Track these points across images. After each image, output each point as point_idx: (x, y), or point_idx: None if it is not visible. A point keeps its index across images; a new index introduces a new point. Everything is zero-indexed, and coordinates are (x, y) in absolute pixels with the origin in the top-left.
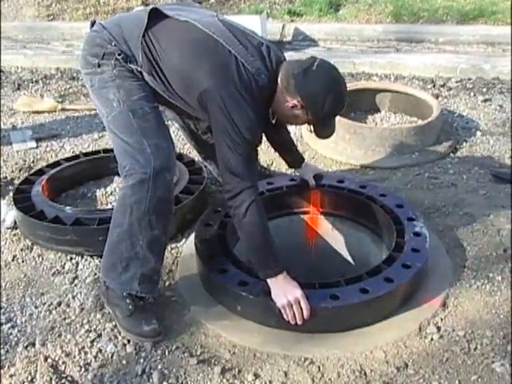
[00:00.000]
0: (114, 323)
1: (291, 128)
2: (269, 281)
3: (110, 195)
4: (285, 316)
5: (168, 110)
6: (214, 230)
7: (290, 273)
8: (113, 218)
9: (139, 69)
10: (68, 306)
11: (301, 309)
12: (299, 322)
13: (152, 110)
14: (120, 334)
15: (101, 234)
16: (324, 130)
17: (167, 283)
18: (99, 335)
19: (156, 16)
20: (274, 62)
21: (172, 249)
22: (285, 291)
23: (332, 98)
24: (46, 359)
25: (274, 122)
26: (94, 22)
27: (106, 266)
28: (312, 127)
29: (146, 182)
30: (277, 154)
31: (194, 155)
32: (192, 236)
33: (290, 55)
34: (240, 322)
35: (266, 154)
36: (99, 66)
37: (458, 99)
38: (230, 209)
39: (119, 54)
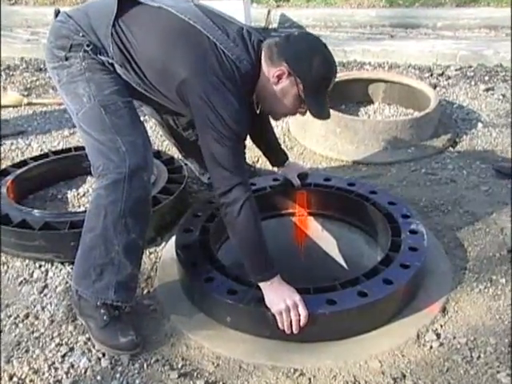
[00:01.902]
0: (87, 335)
1: (278, 122)
2: (262, 285)
3: (83, 197)
4: (280, 323)
5: (145, 105)
6: (196, 236)
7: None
8: (85, 222)
9: (110, 60)
10: (36, 318)
11: (298, 315)
12: (296, 331)
13: (125, 104)
14: (94, 347)
15: (72, 238)
16: (318, 103)
17: (145, 291)
18: (71, 349)
19: (126, 3)
20: (256, 48)
21: (150, 253)
22: (282, 296)
23: (320, 59)
24: (11, 378)
25: (258, 111)
26: (59, 11)
27: (79, 273)
28: (305, 106)
29: (121, 182)
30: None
31: (174, 152)
32: (172, 240)
33: None
34: (224, 331)
35: (252, 151)
36: (67, 58)
37: (457, 89)
38: (222, 207)
39: (88, 45)
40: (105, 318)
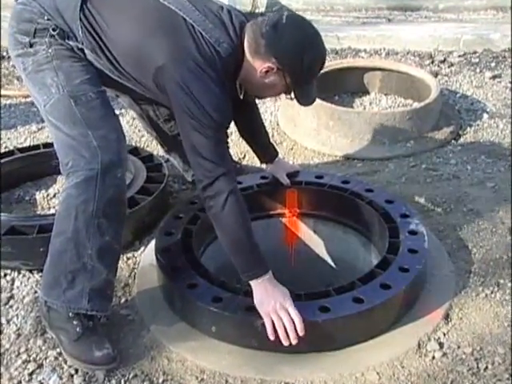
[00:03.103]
0: (58, 350)
1: (266, 115)
2: (253, 283)
3: (53, 198)
4: (269, 328)
5: (122, 95)
6: (177, 239)
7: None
8: (55, 225)
9: (80, 46)
10: (0, 332)
11: (292, 321)
12: (292, 336)
13: (97, 95)
14: (66, 362)
15: (42, 244)
16: (306, 92)
17: (123, 299)
18: (40, 366)
19: None
20: (238, 29)
21: (128, 259)
22: (273, 296)
23: (311, 51)
24: None
25: (241, 96)
26: None
27: (48, 282)
28: (292, 94)
29: (93, 179)
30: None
31: (153, 149)
32: (151, 244)
33: None
34: (209, 342)
35: (237, 146)
36: (31, 45)
37: (461, 77)
38: (206, 200)
39: (54, 30)
40: (78, 329)
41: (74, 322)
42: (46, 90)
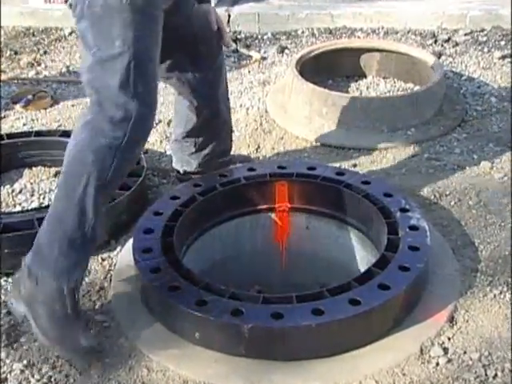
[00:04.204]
0: (24, 362)
1: (254, 101)
2: None
3: (19, 194)
4: None
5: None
6: (157, 238)
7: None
8: (63, 172)
9: None
10: None
11: None
12: None
13: (154, 62)
14: (33, 376)
15: (6, 244)
16: None
17: (98, 304)
18: (3, 381)
19: None
20: None
21: (103, 259)
22: None
23: None
24: None
25: None
26: None
27: (38, 247)
28: None
29: (127, 121)
30: (237, 135)
31: None
32: (129, 242)
33: (249, 6)
34: (192, 350)
35: None
36: None
37: (466, 57)
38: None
39: None
40: (68, 309)
41: (67, 298)
42: (109, 40)
